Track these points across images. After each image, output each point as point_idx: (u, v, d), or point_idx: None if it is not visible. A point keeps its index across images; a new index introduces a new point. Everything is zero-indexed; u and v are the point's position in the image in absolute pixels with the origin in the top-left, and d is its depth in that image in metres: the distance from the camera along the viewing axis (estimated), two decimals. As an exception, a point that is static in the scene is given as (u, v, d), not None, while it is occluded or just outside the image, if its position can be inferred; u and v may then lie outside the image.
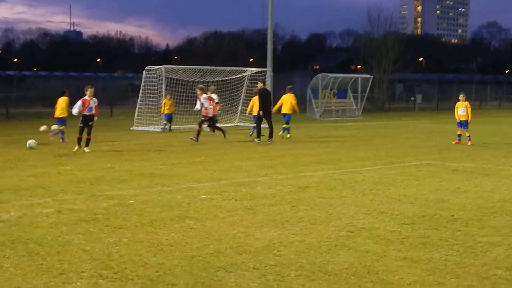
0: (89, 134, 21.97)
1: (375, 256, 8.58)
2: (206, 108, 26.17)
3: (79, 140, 21.91)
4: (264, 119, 27.06)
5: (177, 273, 7.74)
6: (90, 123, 22.00)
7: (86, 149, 21.71)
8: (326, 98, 51.06)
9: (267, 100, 27.42)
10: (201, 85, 28.11)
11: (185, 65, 40.18)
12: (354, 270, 7.92)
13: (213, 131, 27.04)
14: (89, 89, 22.19)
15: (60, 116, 26.78)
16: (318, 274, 7.76)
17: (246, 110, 38.16)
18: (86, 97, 22.05)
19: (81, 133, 21.91)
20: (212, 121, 26.48)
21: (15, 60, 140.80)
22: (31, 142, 23.07)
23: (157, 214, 11.25)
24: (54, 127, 30.62)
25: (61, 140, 25.72)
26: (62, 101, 26.86)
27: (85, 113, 21.88)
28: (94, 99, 22.28)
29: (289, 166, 18.39)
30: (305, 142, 27.13)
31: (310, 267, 8.03)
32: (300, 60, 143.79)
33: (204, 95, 26.37)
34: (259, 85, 28.24)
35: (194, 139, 25.83)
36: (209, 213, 11.35)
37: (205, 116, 26.27)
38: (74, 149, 21.73)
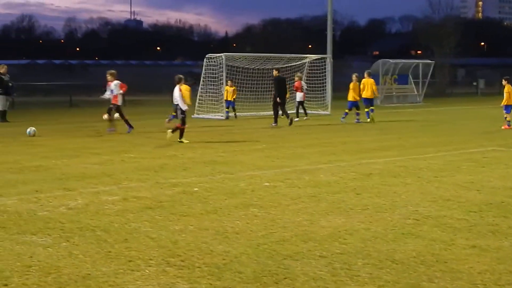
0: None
1: (443, 245, 8.47)
2: (115, 95, 25.01)
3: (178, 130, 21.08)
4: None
5: (243, 261, 7.75)
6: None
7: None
8: (387, 84, 50.64)
9: (283, 87, 28.57)
10: (113, 70, 25.93)
11: (243, 52, 40.28)
12: (422, 259, 7.83)
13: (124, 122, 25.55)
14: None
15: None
16: (386, 262, 7.70)
17: (306, 98, 38.11)
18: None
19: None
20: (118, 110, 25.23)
21: (77, 49, 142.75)
22: (30, 129, 23.65)
23: (221, 201, 11.29)
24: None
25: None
26: (185, 89, 27.47)
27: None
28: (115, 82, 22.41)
29: (352, 153, 18.28)
30: (367, 129, 26.94)
31: (377, 256, 7.96)
32: (359, 46, 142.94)
33: (116, 82, 25.14)
34: (274, 73, 29.34)
35: (112, 130, 24.87)
36: (273, 201, 11.34)
37: (114, 104, 25.05)
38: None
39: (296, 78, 33.19)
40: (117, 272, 7.35)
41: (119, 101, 25.05)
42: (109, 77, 25.16)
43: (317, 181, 13.49)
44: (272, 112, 28.68)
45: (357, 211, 10.51)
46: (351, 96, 30.14)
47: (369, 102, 30.74)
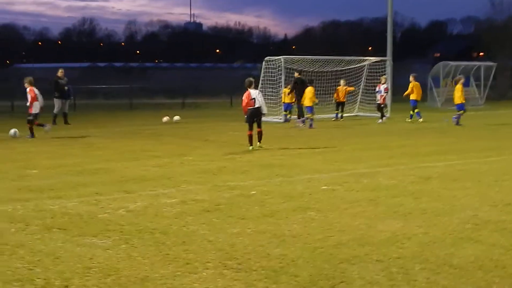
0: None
1: (502, 250, 8.37)
2: (32, 104, 24.30)
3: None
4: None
5: (300, 265, 7.77)
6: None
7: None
8: (448, 87, 50.04)
9: (302, 89, 30.26)
10: (30, 77, 24.81)
11: (302, 54, 40.14)
12: (481, 264, 7.75)
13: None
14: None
15: (309, 105, 28.84)
16: (443, 267, 7.63)
17: (365, 100, 37.97)
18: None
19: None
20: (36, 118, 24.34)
21: (137, 52, 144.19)
22: (12, 131, 24.10)
23: (278, 205, 11.31)
24: (176, 118, 31.34)
25: (309, 127, 28.05)
26: (309, 91, 28.67)
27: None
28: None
29: (410, 156, 18.15)
30: (426, 132, 26.68)
31: (435, 260, 7.90)
32: (420, 47, 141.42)
33: (36, 90, 24.52)
34: (296, 74, 31.96)
35: (30, 136, 24.33)
36: (330, 204, 11.33)
37: (30, 113, 24.34)
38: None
39: (383, 80, 33.32)
40: (174, 274, 7.43)
41: (34, 109, 24.36)
42: (26, 85, 24.60)
43: (375, 184, 13.43)
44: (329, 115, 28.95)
45: (415, 215, 10.43)
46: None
47: (415, 103, 32.52)
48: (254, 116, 20.01)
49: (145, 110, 44.45)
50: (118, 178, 14.30)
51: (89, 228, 9.59)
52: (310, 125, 28.44)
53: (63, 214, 10.52)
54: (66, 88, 31.01)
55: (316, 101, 30.34)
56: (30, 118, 24.36)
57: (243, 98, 20.04)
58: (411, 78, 32.81)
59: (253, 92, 20.02)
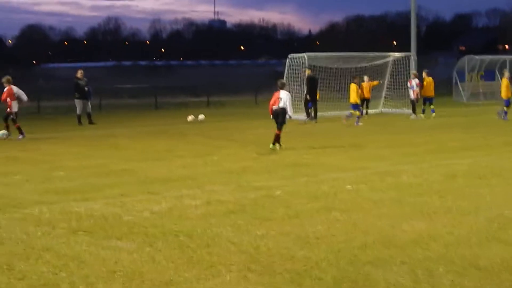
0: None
1: (528, 250, 8.32)
2: (11, 102, 24.36)
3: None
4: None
5: (324, 267, 7.76)
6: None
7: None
8: (473, 81, 49.73)
9: (314, 86, 30.95)
10: (8, 76, 24.93)
11: (327, 50, 40.12)
12: (507, 265, 7.70)
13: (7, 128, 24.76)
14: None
15: (354, 102, 29.00)
16: (469, 269, 7.59)
17: (390, 96, 37.81)
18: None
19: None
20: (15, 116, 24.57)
21: (162, 50, 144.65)
22: (0, 133, 24.13)
23: (303, 205, 11.30)
24: (201, 116, 31.40)
25: (355, 124, 28.06)
26: (353, 89, 28.98)
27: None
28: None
29: (435, 153, 18.05)
30: (451, 127, 26.52)
31: (460, 262, 7.86)
32: (445, 41, 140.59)
33: (15, 88, 24.56)
34: (307, 72, 31.78)
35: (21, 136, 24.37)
36: (355, 204, 11.30)
37: (11, 113, 24.44)
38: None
39: (414, 75, 33.28)
40: (198, 278, 7.46)
41: (13, 108, 24.43)
42: (5, 84, 24.70)
43: (400, 183, 13.38)
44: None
45: (440, 215, 10.38)
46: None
47: (430, 100, 32.35)
48: (276, 116, 19.94)
49: (170, 109, 44.54)
50: (143, 179, 14.36)
51: (114, 230, 9.64)
52: (356, 122, 28.28)
53: (88, 217, 10.58)
54: (86, 89, 31.09)
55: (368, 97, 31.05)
56: (13, 117, 24.55)
57: (272, 97, 20.04)
58: (424, 74, 32.65)
59: (282, 93, 19.97)
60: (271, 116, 20.04)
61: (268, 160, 17.38)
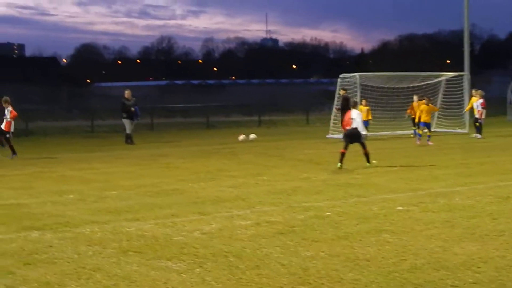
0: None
1: None
2: (8, 122, 24.89)
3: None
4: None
5: (373, 290, 7.72)
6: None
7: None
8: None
9: (347, 107, 29.99)
10: (7, 97, 25.37)
11: (379, 69, 39.98)
12: (560, 291, 7.58)
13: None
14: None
15: (425, 120, 29.01)
16: (521, 294, 7.49)
17: (443, 115, 37.46)
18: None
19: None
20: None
21: (214, 69, 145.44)
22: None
23: (353, 226, 11.26)
24: (252, 136, 31.49)
25: (418, 142, 28.03)
26: (424, 108, 29.04)
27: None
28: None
29: (489, 175, 17.83)
30: (506, 149, 26.14)
31: (512, 286, 7.76)
32: (499, 59, 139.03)
33: (9, 108, 24.94)
34: (342, 92, 32.31)
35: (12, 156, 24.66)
36: (405, 226, 11.22)
37: (8, 132, 24.85)
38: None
39: (476, 94, 32.99)
40: (247, 300, 7.46)
41: (11, 128, 24.94)
42: (6, 104, 25.10)
43: (452, 205, 13.24)
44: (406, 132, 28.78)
45: (492, 238, 10.24)
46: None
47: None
48: (351, 137, 19.97)
49: (221, 128, 44.77)
50: (194, 199, 14.44)
51: (164, 251, 9.71)
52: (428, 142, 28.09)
53: (139, 237, 10.68)
54: (132, 109, 31.36)
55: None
56: (8, 136, 24.91)
57: (344, 117, 20.12)
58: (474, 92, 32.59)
59: (354, 113, 19.98)
60: (344, 137, 20.09)
61: (318, 180, 17.35)
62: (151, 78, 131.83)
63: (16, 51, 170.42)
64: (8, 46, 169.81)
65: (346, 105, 30.95)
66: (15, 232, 11.21)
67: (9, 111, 24.94)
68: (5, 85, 60.79)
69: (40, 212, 13.18)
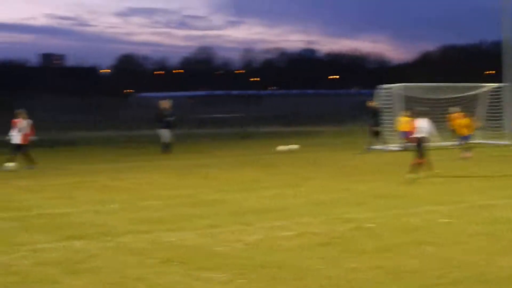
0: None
1: None
2: (26, 134, 24.87)
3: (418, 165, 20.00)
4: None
5: (417, 303, 7.64)
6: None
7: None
8: None
9: (377, 116, 32.50)
10: (23, 110, 25.51)
11: (420, 79, 39.67)
12: None
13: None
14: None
15: (466, 133, 28.47)
16: None
17: (484, 127, 36.99)
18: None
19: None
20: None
21: (254, 79, 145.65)
22: (9, 165, 24.03)
23: (395, 238, 11.17)
24: (291, 146, 31.43)
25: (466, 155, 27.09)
26: (465, 120, 28.66)
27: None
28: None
29: (534, 187, 17.60)
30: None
31: (559, 301, 7.63)
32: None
33: (29, 121, 25.10)
34: (372, 103, 33.19)
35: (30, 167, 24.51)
36: (448, 238, 11.10)
37: (26, 145, 24.94)
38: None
39: None
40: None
41: (26, 140, 24.94)
42: (20, 116, 25.12)
43: (495, 217, 13.07)
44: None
45: (537, 251, 10.10)
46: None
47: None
48: (417, 145, 20.08)
49: (259, 138, 44.74)
50: (233, 210, 14.44)
51: (206, 261, 9.70)
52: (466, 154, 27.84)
53: (180, 247, 10.70)
54: (170, 119, 31.50)
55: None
56: (25, 149, 24.92)
57: (410, 126, 20.22)
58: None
59: (419, 122, 20.01)
60: (408, 144, 20.17)
61: (358, 191, 17.25)
62: (190, 89, 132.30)
63: (56, 62, 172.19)
64: (49, 56, 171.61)
65: (375, 117, 31.31)
66: (58, 241, 11.30)
67: (29, 124, 25.09)
68: (46, 95, 61.54)
69: (81, 222, 13.27)
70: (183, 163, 26.70)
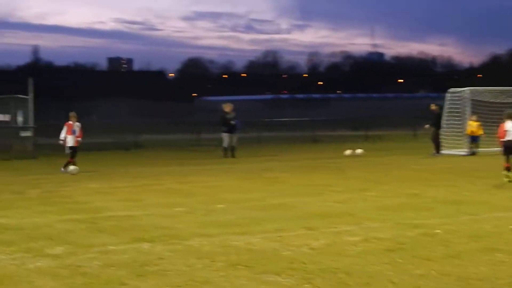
0: None
1: None
2: (78, 136, 25.17)
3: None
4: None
5: (488, 312, 7.50)
6: None
7: None
8: None
9: (440, 121, 32.68)
10: (74, 112, 25.83)
11: (489, 83, 39.05)
12: None
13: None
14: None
15: None
16: None
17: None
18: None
19: None
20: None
21: (320, 83, 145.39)
22: (73, 169, 24.11)
23: (464, 245, 10.98)
24: (359, 151, 31.30)
25: None
26: None
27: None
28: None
29: None
30: None
31: None
32: None
33: (78, 123, 25.29)
34: (433, 107, 33.10)
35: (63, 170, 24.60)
36: (520, 246, 10.88)
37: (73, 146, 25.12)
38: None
39: None
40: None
41: (76, 143, 25.22)
42: (72, 118, 25.30)
43: None
44: None
45: None
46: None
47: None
48: (508, 149, 19.86)
49: (327, 142, 44.66)
50: (301, 214, 14.41)
51: (273, 265, 9.69)
52: None
53: (247, 251, 10.70)
54: (233, 122, 31.62)
55: None
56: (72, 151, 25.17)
57: (499, 129, 20.07)
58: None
59: (508, 124, 19.77)
60: (503, 150, 19.96)
61: (427, 197, 17.04)
62: (255, 93, 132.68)
63: (124, 66, 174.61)
64: (117, 60, 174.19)
65: (438, 121, 31.05)
66: (126, 244, 11.42)
67: (79, 127, 25.34)
68: (114, 98, 62.38)
69: (149, 224, 13.39)
70: (250, 166, 26.79)
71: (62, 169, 24.58)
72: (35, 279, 9.13)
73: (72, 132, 25.04)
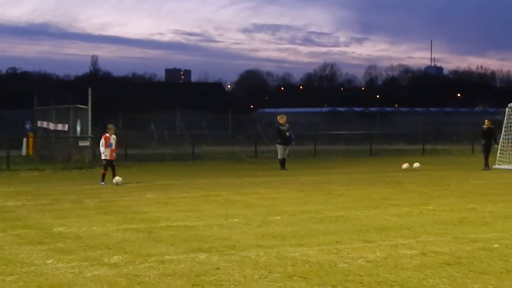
0: None
1: None
2: (113, 150, 25.20)
3: None
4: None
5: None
6: None
7: None
8: None
9: (490, 137, 32.40)
10: (112, 124, 25.96)
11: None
12: None
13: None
14: None
15: None
16: None
17: None
18: None
19: None
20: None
21: (377, 96, 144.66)
22: (117, 179, 24.20)
23: (523, 260, 10.90)
24: (416, 165, 31.11)
25: None
26: None
27: None
28: None
29: None
30: None
31: None
32: None
33: (114, 136, 25.27)
34: (487, 123, 32.53)
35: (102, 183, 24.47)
36: None
37: (109, 160, 25.11)
38: None
39: None
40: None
41: (112, 156, 25.22)
42: (110, 131, 25.30)
43: None
44: None
45: None
46: None
47: None
48: None
49: (384, 156, 44.41)
50: (358, 227, 14.41)
51: (329, 277, 9.74)
52: None
53: (304, 262, 10.76)
54: (287, 134, 31.67)
55: None
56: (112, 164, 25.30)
57: None
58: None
59: None
60: None
61: (485, 211, 16.89)
62: (313, 105, 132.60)
63: (182, 77, 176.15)
64: (175, 71, 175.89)
65: (489, 137, 30.74)
66: (183, 253, 11.57)
67: (115, 140, 25.50)
68: (173, 109, 62.90)
69: (207, 235, 13.53)
70: (308, 179, 26.81)
71: (102, 182, 24.68)
72: (92, 287, 9.32)
73: (108, 146, 25.22)
